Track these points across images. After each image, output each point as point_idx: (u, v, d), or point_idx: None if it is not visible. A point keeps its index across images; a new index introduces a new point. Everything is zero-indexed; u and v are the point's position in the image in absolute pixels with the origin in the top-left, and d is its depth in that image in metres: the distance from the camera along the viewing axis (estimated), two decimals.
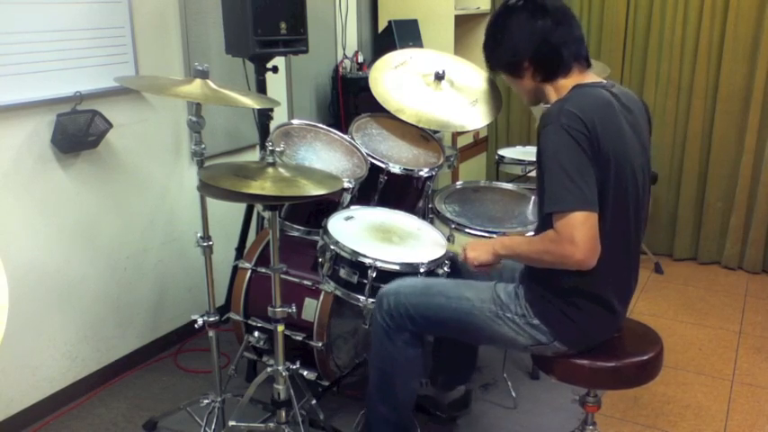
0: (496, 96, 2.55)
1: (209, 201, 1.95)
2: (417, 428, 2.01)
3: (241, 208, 2.74)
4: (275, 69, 2.57)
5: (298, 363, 2.01)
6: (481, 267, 1.80)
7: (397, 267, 1.95)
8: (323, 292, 2.20)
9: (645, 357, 1.72)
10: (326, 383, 2.30)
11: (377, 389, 1.93)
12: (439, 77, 2.52)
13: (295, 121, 2.50)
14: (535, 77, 1.72)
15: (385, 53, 2.65)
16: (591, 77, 1.70)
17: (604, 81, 1.70)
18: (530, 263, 1.71)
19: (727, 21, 3.45)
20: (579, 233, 1.49)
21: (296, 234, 2.29)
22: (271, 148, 1.77)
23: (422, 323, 1.83)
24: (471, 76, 2.59)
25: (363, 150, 2.40)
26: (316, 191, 1.71)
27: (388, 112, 2.46)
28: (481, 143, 4.23)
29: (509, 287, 1.78)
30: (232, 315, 2.38)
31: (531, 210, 2.50)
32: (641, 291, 3.46)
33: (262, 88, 2.54)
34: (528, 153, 3.29)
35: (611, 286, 1.68)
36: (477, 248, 1.79)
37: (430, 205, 2.49)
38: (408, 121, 2.44)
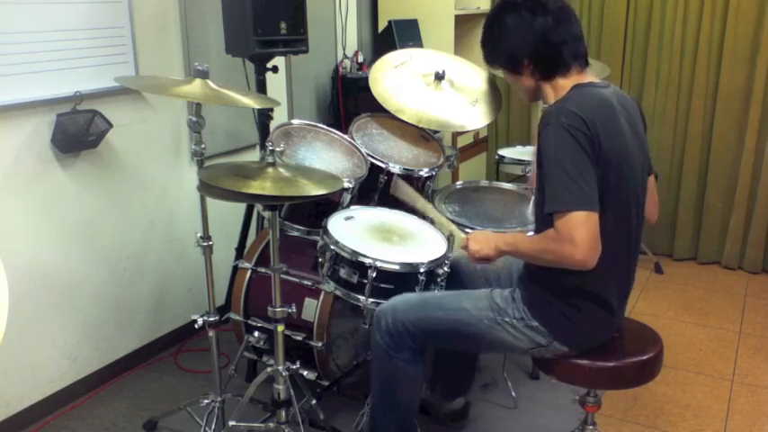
0: (496, 96, 2.55)
1: (210, 201, 1.95)
2: (417, 429, 2.01)
3: (241, 208, 2.74)
4: (275, 69, 2.57)
5: (298, 363, 2.01)
6: (481, 261, 1.80)
7: (397, 267, 1.95)
8: (323, 292, 2.20)
9: (645, 357, 1.72)
10: (326, 383, 2.30)
11: (380, 403, 1.94)
12: (439, 77, 2.52)
13: (295, 121, 2.50)
14: (534, 75, 1.72)
15: (385, 53, 2.65)
16: (589, 77, 1.70)
17: (601, 81, 1.70)
18: (531, 261, 1.71)
19: (727, 21, 3.45)
20: (579, 233, 1.48)
21: (296, 234, 2.29)
22: (271, 148, 1.77)
23: (421, 338, 1.82)
24: (471, 76, 2.59)
25: (363, 150, 2.40)
26: (316, 191, 1.71)
27: (388, 112, 2.46)
28: (481, 143, 4.23)
29: (505, 292, 1.78)
30: (232, 315, 2.38)
31: (530, 210, 2.50)
32: (641, 291, 3.46)
33: (262, 88, 2.54)
34: (528, 153, 3.29)
35: (611, 286, 1.68)
36: (480, 242, 1.77)
37: (430, 205, 2.49)
38: (408, 121, 2.44)
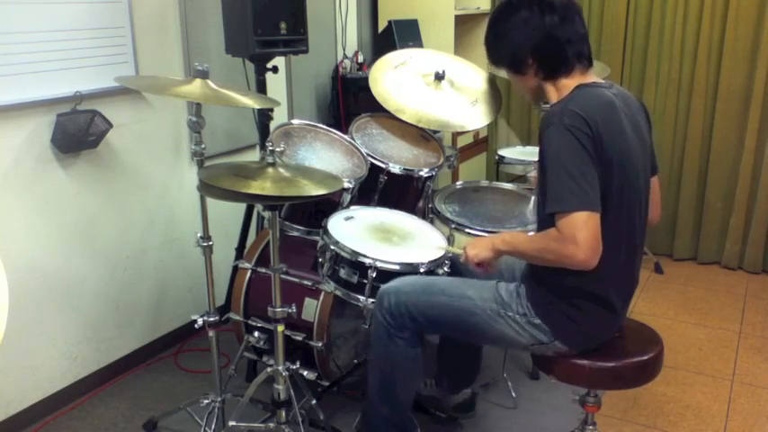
0: (496, 96, 2.55)
1: (210, 201, 1.95)
2: (417, 428, 2.01)
3: (241, 208, 2.74)
4: (275, 69, 2.57)
5: (298, 363, 2.01)
6: (482, 266, 1.80)
7: (397, 267, 1.95)
8: (323, 292, 2.20)
9: (645, 357, 1.72)
10: (326, 383, 2.30)
11: (377, 389, 1.93)
12: (439, 77, 2.52)
13: (295, 121, 2.50)
14: (538, 74, 1.71)
15: (385, 53, 2.65)
16: (592, 78, 1.70)
17: (603, 81, 1.70)
18: (531, 260, 1.71)
19: (727, 21, 3.45)
20: (582, 233, 1.49)
21: (296, 234, 2.29)
22: (271, 148, 1.77)
23: (423, 322, 1.82)
24: (471, 76, 2.59)
25: (363, 150, 2.40)
26: (316, 191, 1.71)
27: (388, 112, 2.46)
28: (481, 143, 4.23)
29: (510, 286, 1.78)
30: (232, 315, 2.38)
31: (530, 210, 2.50)
32: (641, 291, 3.46)
33: (262, 88, 2.54)
34: (528, 153, 3.29)
35: (613, 286, 1.68)
36: (476, 246, 1.78)
37: (430, 205, 2.49)
38: (408, 121, 2.44)
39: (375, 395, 1.94)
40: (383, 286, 1.88)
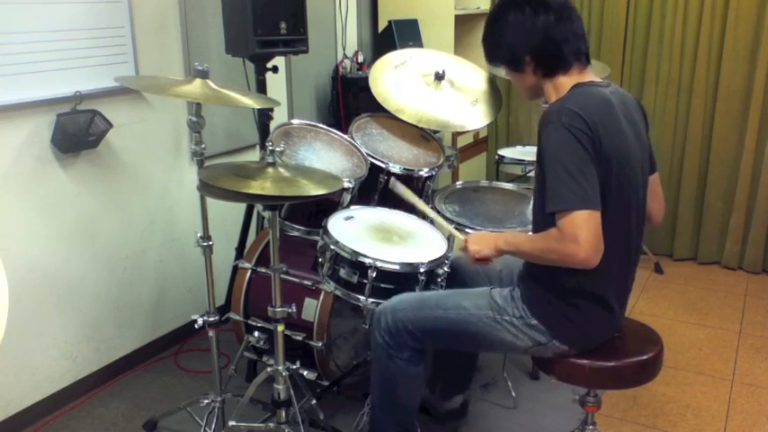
0: (496, 96, 2.55)
1: (210, 201, 1.95)
2: (417, 429, 2.01)
3: (241, 208, 2.74)
4: (275, 69, 2.57)
5: (298, 363, 2.01)
6: (481, 261, 1.80)
7: (397, 267, 1.95)
8: (323, 292, 2.20)
9: (645, 357, 1.72)
10: (326, 383, 2.30)
11: (380, 405, 1.93)
12: (439, 77, 2.52)
13: (295, 121, 2.50)
14: (536, 72, 1.72)
15: (385, 53, 2.65)
16: (590, 76, 1.70)
17: (601, 80, 1.70)
18: (533, 260, 1.70)
19: (727, 21, 3.45)
20: (583, 232, 1.48)
21: (296, 234, 2.29)
22: (271, 148, 1.77)
23: (421, 337, 1.82)
24: (471, 76, 2.59)
25: (363, 150, 2.40)
26: (316, 191, 1.71)
27: (388, 112, 2.46)
28: (481, 143, 4.23)
29: (504, 291, 1.78)
30: (232, 315, 2.38)
31: (530, 209, 2.50)
32: (641, 291, 3.46)
33: (262, 88, 2.54)
34: (528, 153, 3.29)
35: (611, 285, 1.68)
36: (479, 242, 1.77)
37: (430, 205, 2.49)
38: (408, 121, 2.44)
39: (378, 411, 1.94)
40: (379, 307, 1.88)
